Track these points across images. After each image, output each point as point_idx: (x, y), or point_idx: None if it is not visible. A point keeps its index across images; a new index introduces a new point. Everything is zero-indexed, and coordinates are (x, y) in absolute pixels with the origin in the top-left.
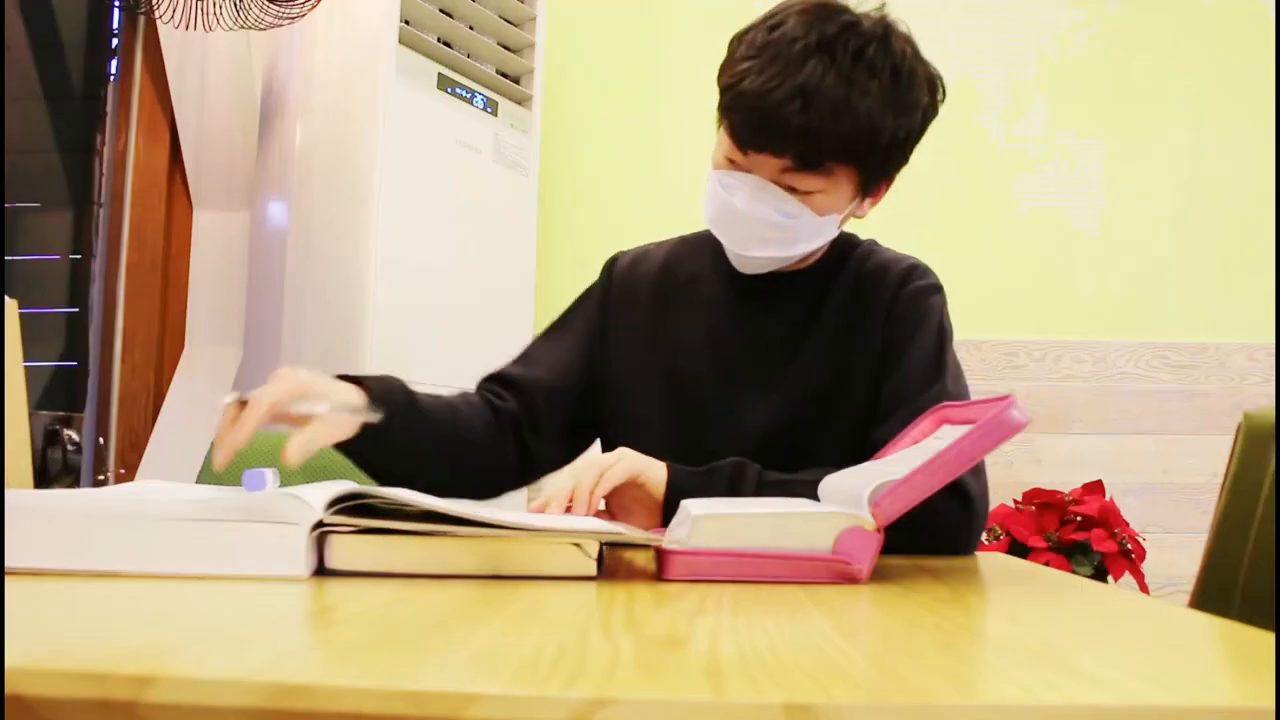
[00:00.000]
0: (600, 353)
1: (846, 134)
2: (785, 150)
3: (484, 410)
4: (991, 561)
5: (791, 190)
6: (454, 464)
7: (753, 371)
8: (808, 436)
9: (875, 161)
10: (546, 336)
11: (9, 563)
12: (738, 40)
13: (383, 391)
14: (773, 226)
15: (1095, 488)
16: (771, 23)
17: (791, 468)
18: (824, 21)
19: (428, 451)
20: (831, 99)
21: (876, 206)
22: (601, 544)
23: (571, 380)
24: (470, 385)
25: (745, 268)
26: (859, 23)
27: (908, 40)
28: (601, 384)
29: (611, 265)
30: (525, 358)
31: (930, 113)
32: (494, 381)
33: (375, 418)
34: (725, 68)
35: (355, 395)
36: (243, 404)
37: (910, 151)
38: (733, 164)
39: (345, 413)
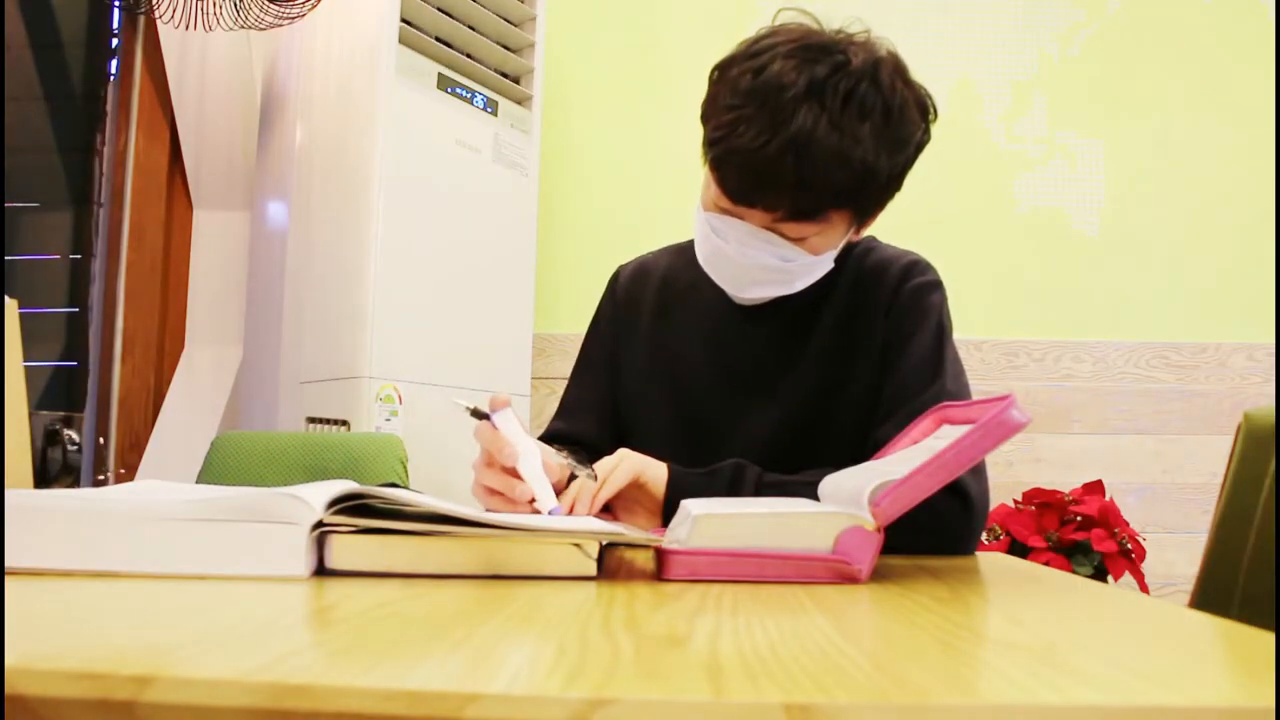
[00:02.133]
0: (615, 368)
1: (841, 183)
2: (779, 205)
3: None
4: (991, 561)
5: (784, 236)
6: None
7: (755, 375)
8: (811, 436)
9: (870, 201)
10: (574, 379)
11: (9, 563)
12: (720, 76)
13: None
14: (768, 270)
15: (1095, 488)
16: (757, 64)
17: (796, 468)
18: (812, 64)
19: None
20: (825, 150)
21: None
22: (601, 544)
23: (607, 416)
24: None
25: (743, 303)
26: (847, 62)
27: (896, 68)
28: (618, 395)
29: (614, 281)
30: (566, 410)
31: (923, 140)
32: (556, 441)
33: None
34: (711, 112)
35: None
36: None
37: (904, 181)
38: (722, 209)
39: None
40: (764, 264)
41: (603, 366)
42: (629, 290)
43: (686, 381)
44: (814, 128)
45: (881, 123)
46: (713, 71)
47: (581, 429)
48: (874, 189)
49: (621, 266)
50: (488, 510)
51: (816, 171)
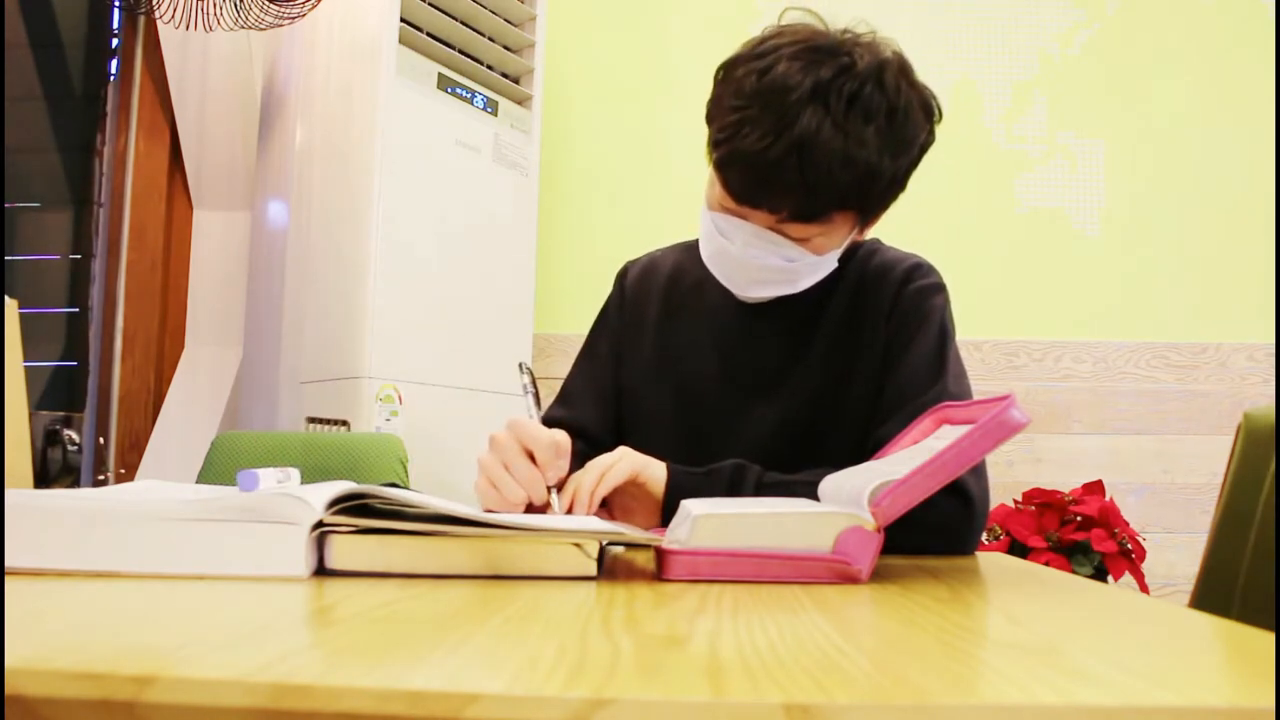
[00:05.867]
0: (619, 362)
1: (845, 185)
2: (783, 206)
3: None
4: (991, 561)
5: (788, 237)
6: None
7: (758, 374)
8: (814, 436)
9: (873, 202)
10: (578, 367)
11: (9, 563)
12: (725, 76)
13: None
14: (772, 270)
15: (1095, 488)
16: (762, 65)
17: (798, 468)
18: (817, 65)
19: None
20: (829, 153)
21: None
22: (601, 544)
23: (609, 408)
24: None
25: (747, 301)
26: (853, 64)
27: (901, 69)
28: (620, 391)
29: (623, 276)
30: (565, 398)
31: (928, 141)
32: (555, 427)
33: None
34: (716, 113)
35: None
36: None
37: (908, 182)
38: (726, 209)
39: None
40: (768, 264)
41: (608, 359)
42: (637, 286)
43: (690, 379)
44: (818, 130)
45: (886, 125)
46: (718, 71)
47: (582, 417)
48: (878, 190)
49: (630, 262)
50: (480, 492)
51: (820, 174)
